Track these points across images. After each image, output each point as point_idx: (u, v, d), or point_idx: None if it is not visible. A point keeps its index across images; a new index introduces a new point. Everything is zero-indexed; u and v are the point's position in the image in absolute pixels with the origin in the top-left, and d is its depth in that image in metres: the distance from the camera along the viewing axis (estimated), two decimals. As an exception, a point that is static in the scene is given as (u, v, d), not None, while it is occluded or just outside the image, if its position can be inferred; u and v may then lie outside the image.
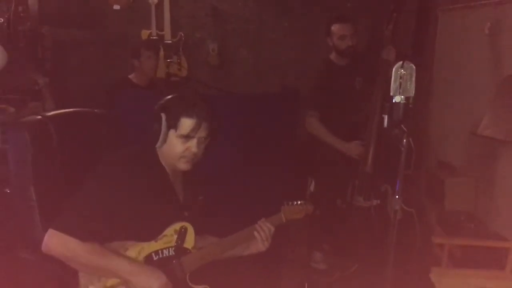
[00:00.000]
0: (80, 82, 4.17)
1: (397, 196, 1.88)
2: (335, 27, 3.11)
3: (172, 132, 1.65)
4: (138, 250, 1.61)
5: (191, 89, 3.74)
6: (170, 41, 4.25)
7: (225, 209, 2.30)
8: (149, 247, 1.63)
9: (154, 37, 4.23)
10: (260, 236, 1.75)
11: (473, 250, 2.53)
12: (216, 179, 2.29)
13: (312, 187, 1.90)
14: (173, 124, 1.64)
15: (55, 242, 1.50)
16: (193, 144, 1.65)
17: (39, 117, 1.84)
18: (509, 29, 2.77)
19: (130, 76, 3.65)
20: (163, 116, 1.63)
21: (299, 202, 1.86)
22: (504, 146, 2.73)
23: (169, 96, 1.70)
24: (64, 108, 2.00)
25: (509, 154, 2.73)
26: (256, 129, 2.80)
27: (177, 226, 1.68)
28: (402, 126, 1.83)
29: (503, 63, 2.82)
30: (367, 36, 4.09)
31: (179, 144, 1.65)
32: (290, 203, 1.85)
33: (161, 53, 4.17)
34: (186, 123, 1.63)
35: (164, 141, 1.65)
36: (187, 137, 1.64)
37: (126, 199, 1.56)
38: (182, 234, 1.68)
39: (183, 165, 1.68)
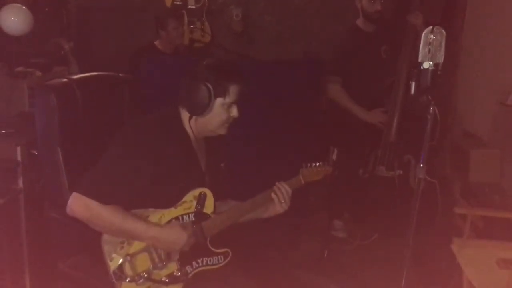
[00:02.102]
0: (105, 47, 4.18)
1: (421, 165, 1.86)
2: None
3: (219, 101, 1.64)
4: (159, 217, 1.63)
5: (218, 55, 3.70)
6: (193, 7, 4.21)
7: (247, 175, 2.31)
8: (169, 213, 1.65)
9: (178, 3, 4.18)
10: (278, 198, 1.75)
11: (496, 221, 2.50)
12: (238, 145, 2.29)
13: (334, 156, 1.88)
14: (221, 92, 1.63)
15: (78, 205, 1.54)
16: (235, 109, 1.68)
17: (66, 80, 1.85)
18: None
19: (155, 43, 3.63)
20: (209, 85, 1.61)
21: (317, 164, 1.84)
22: (535, 117, 2.66)
23: (206, 63, 1.67)
24: (89, 73, 2.01)
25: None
26: (278, 96, 2.78)
27: (196, 192, 1.69)
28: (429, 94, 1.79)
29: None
30: (394, 2, 3.96)
31: (224, 111, 1.66)
32: (309, 165, 1.84)
33: (185, 18, 4.15)
34: (235, 90, 1.65)
35: (210, 110, 1.65)
36: (232, 103, 1.66)
37: (148, 164, 1.58)
38: (201, 199, 1.69)
39: (223, 131, 1.71)
